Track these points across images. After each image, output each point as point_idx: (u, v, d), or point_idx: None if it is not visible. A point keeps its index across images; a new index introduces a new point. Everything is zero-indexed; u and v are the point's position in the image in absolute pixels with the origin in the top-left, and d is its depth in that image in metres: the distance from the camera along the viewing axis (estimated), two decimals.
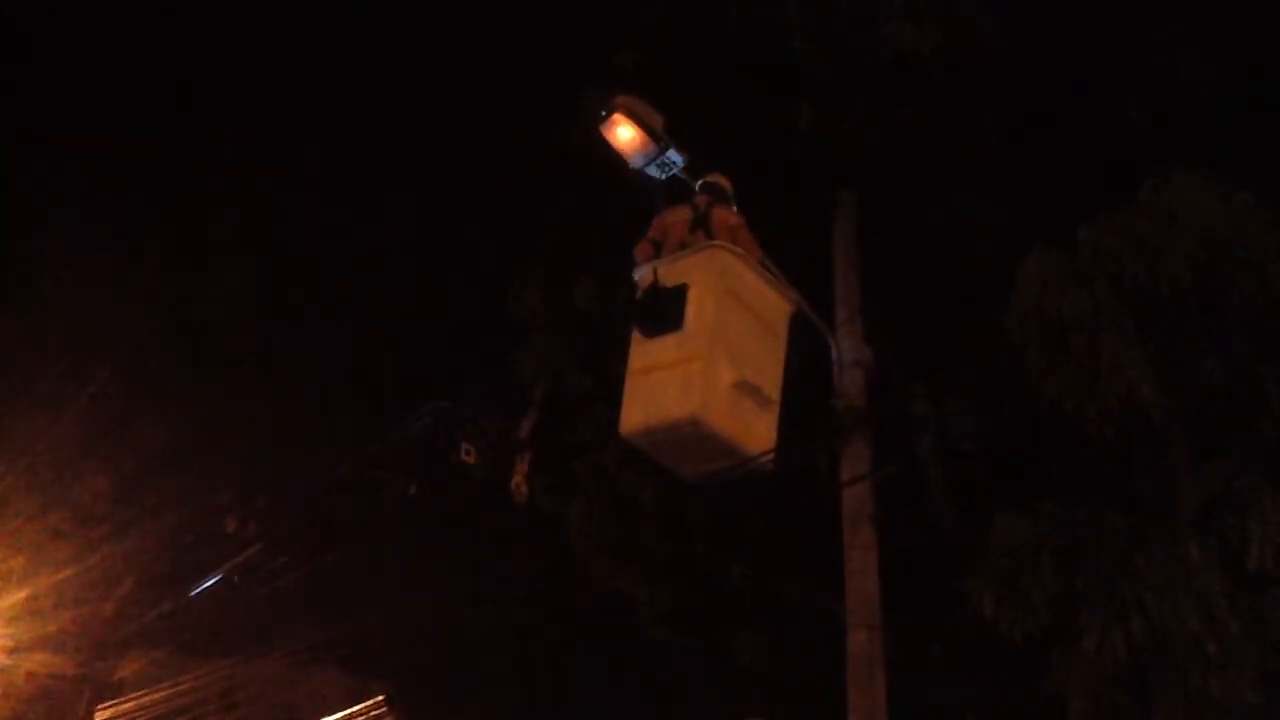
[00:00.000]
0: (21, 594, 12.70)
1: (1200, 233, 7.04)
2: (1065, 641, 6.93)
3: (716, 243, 6.36)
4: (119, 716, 13.61)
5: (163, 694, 13.55)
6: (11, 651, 13.03)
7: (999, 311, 7.42)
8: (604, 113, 6.96)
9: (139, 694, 13.58)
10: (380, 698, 13.66)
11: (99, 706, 13.46)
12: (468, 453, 8.65)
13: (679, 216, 6.63)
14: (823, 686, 7.51)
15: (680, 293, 6.10)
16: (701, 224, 6.49)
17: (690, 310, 6.05)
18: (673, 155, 6.99)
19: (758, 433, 6.19)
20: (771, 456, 6.24)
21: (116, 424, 13.01)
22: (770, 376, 6.34)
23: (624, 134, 6.96)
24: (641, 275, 6.34)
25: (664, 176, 7.14)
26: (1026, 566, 7.07)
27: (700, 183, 6.92)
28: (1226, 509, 6.88)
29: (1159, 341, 7.14)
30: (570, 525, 10.02)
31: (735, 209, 6.78)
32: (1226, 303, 7.05)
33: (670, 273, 6.22)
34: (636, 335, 6.27)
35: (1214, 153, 7.36)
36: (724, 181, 6.91)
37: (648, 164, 7.04)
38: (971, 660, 8.26)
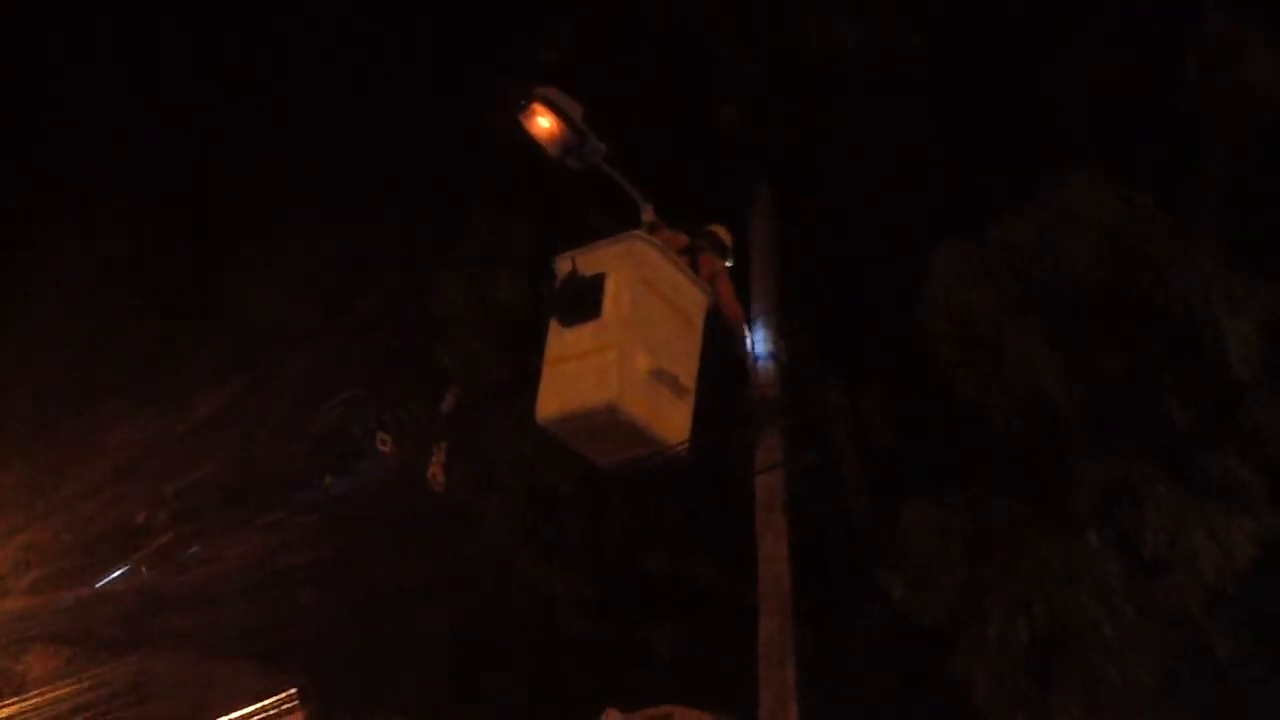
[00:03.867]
0: None
1: (1104, 233, 7.29)
2: (971, 627, 7.13)
3: (635, 233, 6.43)
4: (23, 714, 13.23)
5: (68, 690, 13.19)
6: None
7: (913, 305, 7.59)
8: (523, 102, 6.97)
9: (43, 690, 13.21)
10: (293, 690, 13.46)
11: (1, 704, 13.08)
12: (383, 442, 8.62)
13: (674, 241, 6.91)
14: (740, 674, 7.60)
15: (598, 282, 6.15)
16: (690, 253, 6.87)
17: (607, 299, 6.10)
18: (593, 146, 7.02)
19: (674, 421, 6.27)
20: (687, 445, 6.31)
21: (22, 415, 12.66)
22: (686, 366, 6.42)
23: (543, 124, 6.97)
24: (560, 264, 6.37)
25: (584, 167, 7.17)
26: (936, 554, 7.27)
27: (704, 229, 7.30)
28: (1124, 498, 7.12)
29: (1063, 336, 7.36)
30: (489, 516, 9.99)
31: (728, 261, 7.26)
32: (1128, 300, 7.30)
33: (588, 262, 6.27)
34: (554, 324, 6.31)
35: (1114, 153, 7.60)
36: (724, 234, 7.39)
37: (567, 155, 7.06)
38: (882, 646, 8.43)
